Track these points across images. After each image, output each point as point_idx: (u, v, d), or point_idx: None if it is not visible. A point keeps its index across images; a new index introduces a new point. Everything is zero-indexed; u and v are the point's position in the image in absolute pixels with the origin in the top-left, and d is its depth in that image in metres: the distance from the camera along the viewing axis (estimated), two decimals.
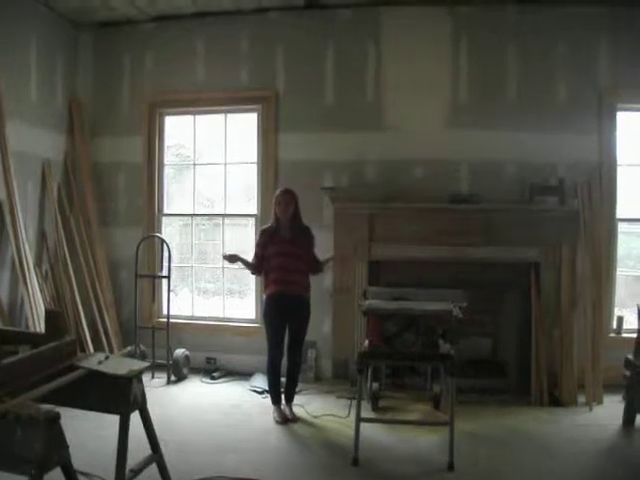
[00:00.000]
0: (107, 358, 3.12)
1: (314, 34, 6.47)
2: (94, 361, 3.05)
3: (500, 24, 6.16)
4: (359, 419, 4.23)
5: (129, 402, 3.00)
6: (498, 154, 6.08)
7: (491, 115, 6.13)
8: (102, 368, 2.97)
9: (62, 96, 6.67)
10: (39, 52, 6.25)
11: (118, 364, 3.08)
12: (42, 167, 6.31)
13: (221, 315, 6.78)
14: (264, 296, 5.24)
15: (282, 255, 5.10)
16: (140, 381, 3.15)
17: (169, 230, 6.97)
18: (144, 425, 3.25)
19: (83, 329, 6.15)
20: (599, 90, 6.02)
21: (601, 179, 5.91)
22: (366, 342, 4.53)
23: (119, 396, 2.98)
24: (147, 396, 3.21)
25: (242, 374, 6.30)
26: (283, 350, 5.16)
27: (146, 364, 3.30)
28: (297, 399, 5.39)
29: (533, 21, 6.10)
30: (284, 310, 5.09)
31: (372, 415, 5.17)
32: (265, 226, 5.33)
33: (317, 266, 5.28)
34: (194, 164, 6.95)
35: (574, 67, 6.06)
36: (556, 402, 5.51)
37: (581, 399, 5.51)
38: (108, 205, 6.86)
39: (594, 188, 5.84)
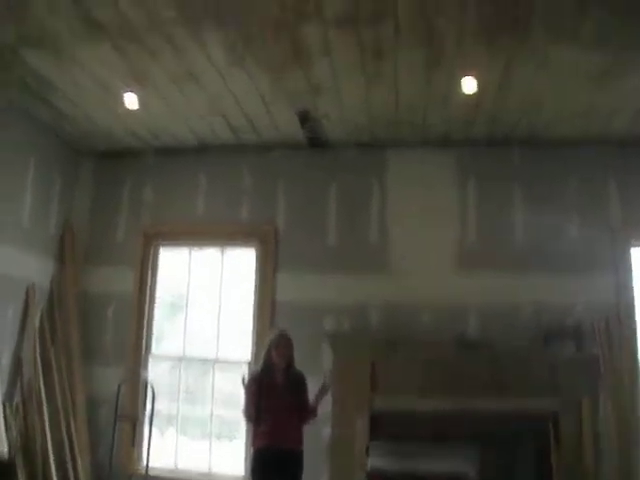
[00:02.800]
0: None
1: (317, 172, 6.41)
2: None
3: (507, 164, 6.14)
4: None
5: None
6: (509, 297, 5.83)
7: (500, 256, 5.95)
8: None
9: (56, 220, 6.49)
10: (37, 176, 6.13)
11: None
12: (26, 291, 6.00)
13: (206, 469, 6.13)
14: (252, 449, 4.78)
15: (274, 405, 4.68)
16: None
17: (156, 370, 6.50)
18: None
19: (50, 474, 5.56)
20: (612, 228, 5.88)
21: (620, 319, 5.61)
22: None
23: None
24: None
25: None
26: None
27: None
28: None
29: (540, 161, 6.08)
30: (274, 466, 4.60)
31: None
32: (254, 371, 4.97)
33: (311, 414, 4.85)
34: (187, 302, 6.61)
35: (584, 206, 5.95)
36: None
37: None
38: (93, 338, 6.46)
39: (613, 330, 5.54)
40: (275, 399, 4.69)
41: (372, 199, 6.27)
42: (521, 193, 6.05)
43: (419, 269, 6.02)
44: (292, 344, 4.84)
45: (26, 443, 5.61)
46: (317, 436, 5.55)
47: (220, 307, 6.46)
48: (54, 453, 5.70)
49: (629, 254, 5.86)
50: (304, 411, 4.80)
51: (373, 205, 6.26)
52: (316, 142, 6.30)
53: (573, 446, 5.32)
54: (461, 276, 5.96)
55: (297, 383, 4.81)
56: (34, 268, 6.14)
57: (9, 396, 5.69)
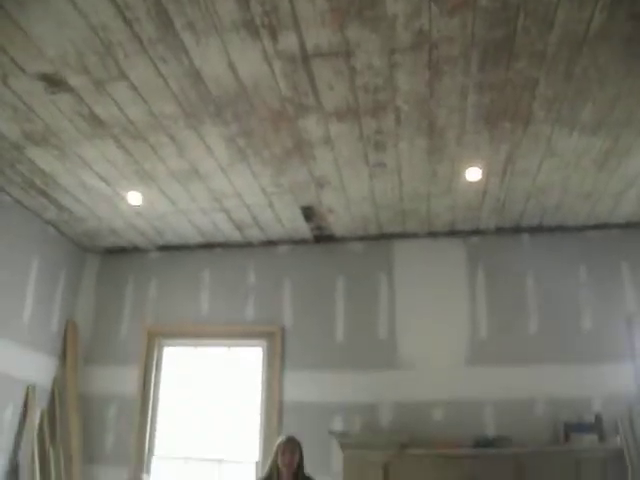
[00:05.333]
0: None
1: (323, 267, 6.35)
2: None
3: (516, 252, 6.07)
4: None
5: None
6: (525, 391, 5.60)
7: (514, 349, 5.76)
8: None
9: (59, 317, 6.39)
10: (40, 271, 6.10)
11: None
12: (26, 391, 5.83)
13: None
14: None
15: None
16: None
17: (160, 472, 6.20)
18: None
19: None
20: (627, 315, 5.70)
21: None
22: None
23: None
24: None
25: None
26: None
27: None
28: None
29: (549, 248, 6.01)
30: None
31: None
32: (260, 477, 4.71)
33: None
34: (191, 401, 6.38)
35: (598, 292, 5.81)
36: None
37: None
38: (94, 439, 6.23)
39: (636, 422, 5.27)
40: None
41: (380, 294, 6.16)
42: (533, 282, 5.94)
43: (430, 365, 5.84)
44: (300, 449, 4.61)
45: None
46: None
47: (226, 406, 6.25)
48: None
49: None
50: None
51: (381, 300, 6.15)
52: (322, 237, 6.26)
53: None
54: (474, 371, 5.77)
55: None
56: (35, 367, 6.01)
57: None
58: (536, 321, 5.82)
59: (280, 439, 4.72)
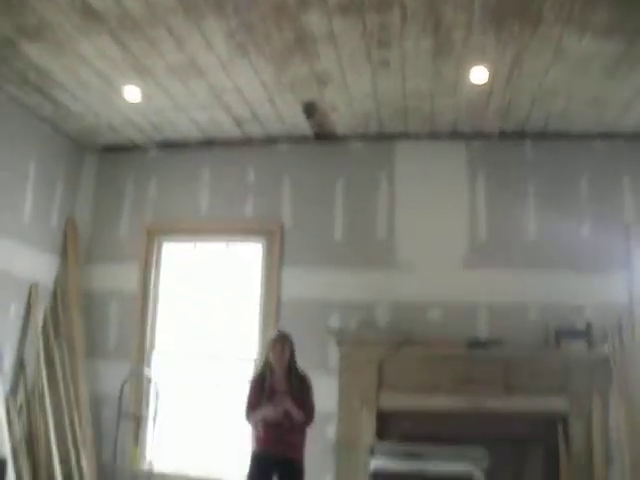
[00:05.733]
0: None
1: (323, 166, 6.30)
2: None
3: (518, 158, 6.00)
4: None
5: None
6: (519, 296, 5.68)
7: (511, 254, 5.81)
8: None
9: (58, 217, 6.39)
10: (39, 170, 6.05)
11: None
12: (29, 290, 5.91)
13: (211, 468, 5.99)
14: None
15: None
16: None
17: (160, 367, 6.39)
18: None
19: (53, 470, 5.48)
20: (625, 226, 5.71)
21: (632, 321, 5.46)
22: None
23: None
24: None
25: None
26: None
27: None
28: None
29: (553, 155, 5.94)
30: (269, 475, 4.45)
31: None
32: (255, 373, 4.80)
33: (303, 420, 4.50)
34: (191, 297, 6.48)
35: (597, 202, 5.81)
36: None
37: None
38: (96, 335, 6.37)
39: (625, 331, 5.40)
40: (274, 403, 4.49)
41: (380, 194, 6.15)
42: (533, 188, 5.91)
43: (428, 265, 5.89)
44: (291, 344, 4.63)
45: (30, 440, 5.56)
46: (322, 434, 5.47)
47: (226, 303, 6.35)
48: (58, 450, 5.64)
49: None
50: (306, 411, 4.54)
51: (381, 200, 6.14)
52: (323, 134, 6.18)
53: (582, 448, 5.21)
54: (471, 274, 5.83)
55: (300, 388, 4.56)
56: (37, 266, 6.07)
57: (12, 393, 5.62)
58: (534, 227, 5.83)
59: (271, 334, 4.78)
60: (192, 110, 5.77)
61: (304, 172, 6.32)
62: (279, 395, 4.47)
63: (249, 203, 6.35)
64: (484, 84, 5.02)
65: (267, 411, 4.44)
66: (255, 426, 4.55)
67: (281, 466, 4.44)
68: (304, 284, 6.08)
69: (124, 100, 5.55)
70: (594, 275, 5.63)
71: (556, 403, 5.28)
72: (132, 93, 5.42)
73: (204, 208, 6.44)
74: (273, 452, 4.44)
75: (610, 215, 5.76)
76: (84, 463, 5.78)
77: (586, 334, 5.39)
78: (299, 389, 4.53)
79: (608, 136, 5.84)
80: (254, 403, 4.53)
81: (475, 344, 5.48)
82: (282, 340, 4.61)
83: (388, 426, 5.45)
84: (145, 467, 5.90)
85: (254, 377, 4.73)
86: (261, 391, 4.53)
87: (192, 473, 6.02)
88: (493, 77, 4.91)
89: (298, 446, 4.51)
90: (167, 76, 5.10)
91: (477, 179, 6.01)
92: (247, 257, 6.40)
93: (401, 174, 6.14)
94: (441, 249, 5.93)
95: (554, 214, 5.82)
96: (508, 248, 5.82)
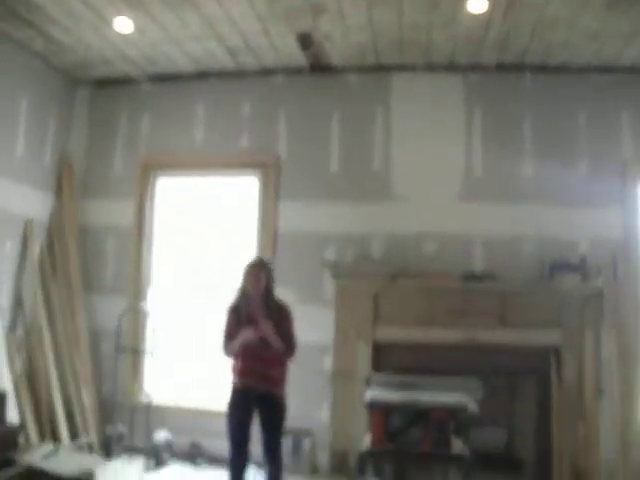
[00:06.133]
0: (55, 451, 2.60)
1: (319, 98, 6.21)
2: (38, 455, 2.54)
3: (516, 92, 5.91)
4: None
5: None
6: (515, 229, 5.70)
7: (507, 188, 5.80)
8: (45, 465, 2.45)
9: (52, 152, 6.34)
10: (31, 106, 5.97)
11: (67, 460, 2.57)
12: (24, 226, 5.90)
13: (208, 400, 6.06)
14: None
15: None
16: None
17: (157, 301, 6.45)
18: None
19: (54, 405, 5.60)
20: (622, 162, 5.68)
21: (626, 256, 5.50)
22: (368, 438, 4.04)
23: None
24: None
25: None
26: (248, 455, 4.27)
27: (101, 463, 2.78)
28: None
29: (551, 89, 5.85)
30: (249, 409, 4.27)
31: None
32: (232, 302, 4.49)
33: (291, 346, 4.32)
34: (188, 231, 6.49)
35: (595, 138, 5.75)
36: None
37: None
38: (93, 271, 6.40)
39: (619, 266, 5.42)
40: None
41: (376, 126, 6.08)
42: (530, 122, 5.84)
43: (423, 198, 5.88)
44: (268, 272, 4.41)
45: (30, 374, 5.64)
46: (319, 365, 5.56)
47: (222, 236, 6.36)
48: (60, 385, 5.73)
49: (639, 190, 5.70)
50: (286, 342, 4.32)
51: (377, 132, 6.08)
52: (318, 66, 6.08)
53: (574, 380, 5.31)
54: (466, 207, 5.83)
55: (279, 317, 4.33)
56: (31, 202, 6.04)
57: (12, 329, 5.69)
58: (531, 162, 5.80)
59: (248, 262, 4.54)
60: (185, 42, 5.66)
61: (300, 104, 6.23)
62: (259, 321, 4.24)
63: (244, 136, 6.29)
64: (483, 14, 4.91)
65: (247, 333, 4.22)
66: (234, 356, 4.33)
67: (262, 401, 4.26)
68: (300, 217, 6.09)
69: (116, 32, 5.43)
70: (589, 210, 5.63)
71: (549, 336, 5.36)
72: (124, 24, 5.30)
73: (199, 141, 6.37)
74: (254, 386, 4.24)
75: (607, 151, 5.71)
76: (84, 397, 5.89)
77: (580, 268, 5.42)
78: (278, 319, 4.30)
79: (607, 70, 5.74)
80: (231, 333, 4.33)
81: (470, 277, 5.53)
82: (258, 266, 4.42)
83: (384, 358, 5.53)
84: (143, 400, 6.01)
85: (230, 306, 4.48)
86: (238, 320, 4.33)
87: (190, 405, 6.12)
88: (492, 7, 4.79)
89: (279, 380, 4.31)
90: (159, 7, 4.98)
91: (474, 112, 5.93)
92: (243, 190, 6.38)
93: (397, 107, 6.06)
94: (437, 182, 5.91)
95: (551, 149, 5.77)
96: (504, 182, 5.81)
